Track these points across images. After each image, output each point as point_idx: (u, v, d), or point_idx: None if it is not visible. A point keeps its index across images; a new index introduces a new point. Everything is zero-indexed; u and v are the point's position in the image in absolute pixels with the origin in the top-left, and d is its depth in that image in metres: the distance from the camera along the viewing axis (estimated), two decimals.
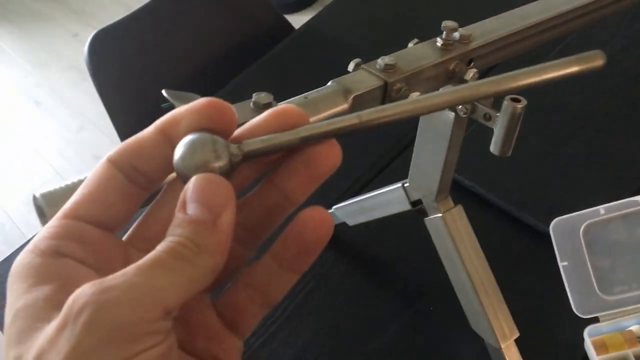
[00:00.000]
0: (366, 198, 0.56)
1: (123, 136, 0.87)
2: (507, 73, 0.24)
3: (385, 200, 0.54)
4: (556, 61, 0.24)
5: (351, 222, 0.59)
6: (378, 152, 0.75)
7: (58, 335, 0.19)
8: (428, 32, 0.42)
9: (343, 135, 0.24)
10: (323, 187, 0.72)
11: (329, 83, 0.36)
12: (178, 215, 0.21)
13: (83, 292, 0.19)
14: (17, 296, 0.21)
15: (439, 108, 0.25)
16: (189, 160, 0.22)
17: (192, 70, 0.90)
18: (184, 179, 0.22)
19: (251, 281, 0.25)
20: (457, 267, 0.48)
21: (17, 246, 1.84)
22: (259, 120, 0.24)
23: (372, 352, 0.58)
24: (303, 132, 0.23)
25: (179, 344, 0.24)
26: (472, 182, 0.65)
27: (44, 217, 0.26)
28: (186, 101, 0.28)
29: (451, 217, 0.48)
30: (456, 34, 0.40)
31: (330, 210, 0.61)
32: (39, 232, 0.23)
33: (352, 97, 0.35)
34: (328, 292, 0.63)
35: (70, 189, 0.26)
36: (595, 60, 0.24)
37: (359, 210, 0.57)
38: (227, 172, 0.22)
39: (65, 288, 0.21)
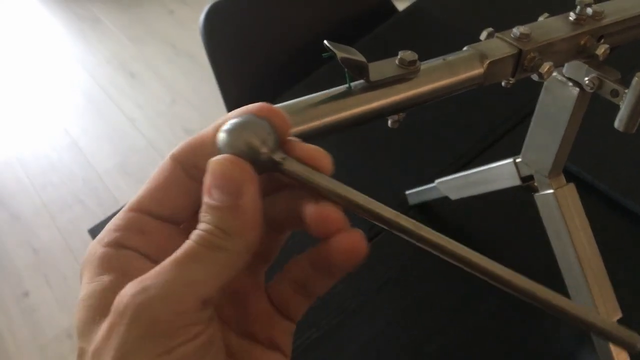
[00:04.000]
0: (474, 172, 0.57)
1: (230, 106, 0.91)
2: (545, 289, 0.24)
3: (494, 175, 0.55)
4: (582, 309, 0.23)
5: (454, 196, 0.60)
6: (482, 131, 0.75)
7: (109, 334, 0.21)
8: (534, 12, 0.43)
9: (377, 222, 0.23)
10: (424, 161, 0.76)
11: (465, 48, 0.38)
12: (204, 200, 0.22)
13: (125, 292, 0.21)
14: (83, 285, 0.23)
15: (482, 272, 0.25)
16: (233, 140, 0.22)
17: (298, 46, 0.93)
18: None
19: (292, 276, 0.26)
20: (564, 243, 0.49)
21: (108, 208, 1.95)
22: (310, 147, 0.24)
23: (465, 326, 0.60)
24: (343, 192, 0.23)
25: (236, 326, 0.26)
26: (578, 167, 0.65)
27: None
28: (347, 52, 0.31)
29: (563, 194, 0.48)
30: (589, 10, 0.41)
31: (433, 184, 0.63)
32: (107, 224, 0.25)
33: (487, 62, 0.36)
34: (425, 265, 0.65)
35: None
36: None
37: (464, 185, 0.59)
38: (264, 170, 0.23)
39: (124, 279, 0.22)
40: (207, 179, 0.22)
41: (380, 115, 0.34)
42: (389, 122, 0.36)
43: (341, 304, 0.62)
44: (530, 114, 0.48)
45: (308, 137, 0.31)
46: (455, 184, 0.59)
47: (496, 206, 0.66)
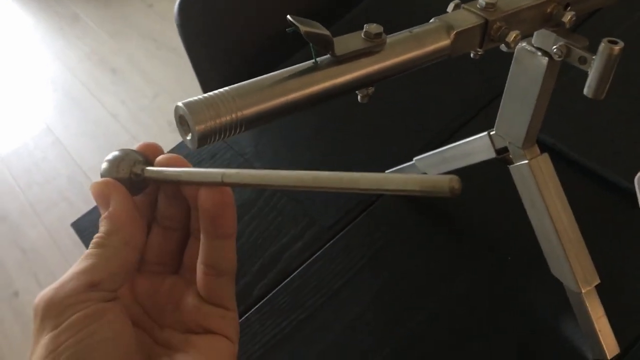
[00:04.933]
0: (449, 148, 0.57)
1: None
2: (351, 173, 0.25)
3: (469, 149, 0.55)
4: (402, 176, 0.24)
5: (432, 172, 0.61)
6: (460, 108, 0.76)
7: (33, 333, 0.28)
8: None
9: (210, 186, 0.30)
10: (406, 140, 0.76)
11: (432, 20, 0.38)
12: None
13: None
14: None
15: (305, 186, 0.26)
16: (105, 167, 0.31)
17: (275, 31, 0.93)
18: None
19: (201, 260, 0.31)
20: (541, 213, 0.49)
21: (94, 204, 1.95)
22: (165, 156, 0.32)
23: (445, 299, 0.60)
24: (183, 176, 0.29)
25: (178, 326, 0.32)
26: (553, 139, 0.65)
27: (185, 125, 0.29)
28: (310, 26, 0.31)
29: (537, 164, 0.49)
30: None
31: (411, 162, 0.63)
32: None
33: (454, 33, 0.37)
34: (401, 241, 0.65)
35: (210, 99, 0.29)
36: (441, 187, 0.22)
37: (441, 161, 0.59)
38: (134, 183, 0.31)
39: None
40: None
41: (348, 89, 0.34)
42: (359, 96, 0.36)
43: (324, 285, 0.63)
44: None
45: (276, 114, 0.31)
46: (433, 161, 0.60)
47: (475, 180, 0.67)
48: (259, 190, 0.73)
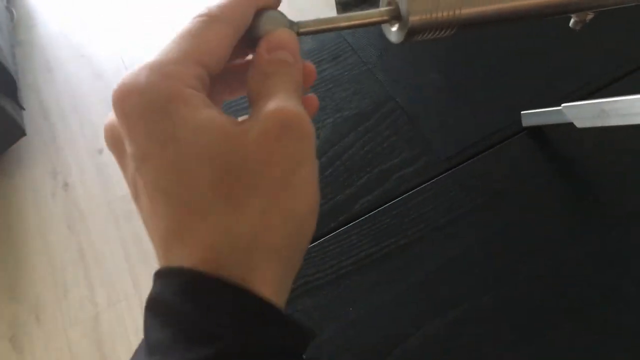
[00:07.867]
0: (615, 101, 0.51)
1: None
2: None
3: None
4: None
5: (580, 124, 0.55)
6: (620, 57, 0.68)
7: None
8: None
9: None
10: (550, 81, 0.66)
11: None
12: (276, 55, 0.26)
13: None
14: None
15: None
16: (274, 23, 0.28)
17: None
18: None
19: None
20: None
21: None
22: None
23: (561, 255, 0.56)
24: (341, 21, 0.28)
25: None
26: None
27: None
28: None
29: None
30: None
31: (557, 108, 0.58)
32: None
33: None
34: (523, 188, 0.61)
35: None
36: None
37: (597, 114, 0.53)
38: None
39: None
40: (275, 40, 0.27)
41: (567, 9, 0.30)
42: (572, 21, 0.31)
43: (430, 217, 0.60)
44: None
45: (495, 19, 0.27)
46: (587, 111, 0.54)
47: (621, 146, 0.61)
48: (377, 103, 0.70)
